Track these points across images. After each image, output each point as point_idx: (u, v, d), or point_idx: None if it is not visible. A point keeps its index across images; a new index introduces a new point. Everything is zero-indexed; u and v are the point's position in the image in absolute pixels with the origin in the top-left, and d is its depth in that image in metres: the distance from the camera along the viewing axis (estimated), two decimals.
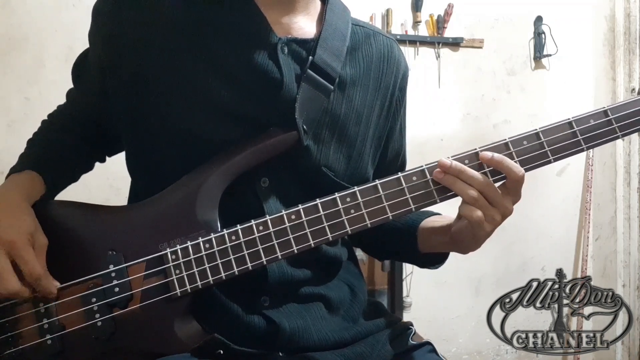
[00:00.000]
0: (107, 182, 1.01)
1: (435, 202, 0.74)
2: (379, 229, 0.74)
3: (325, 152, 0.80)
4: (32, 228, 0.73)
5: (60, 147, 0.88)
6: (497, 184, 0.73)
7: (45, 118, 0.93)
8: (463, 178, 0.72)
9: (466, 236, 0.75)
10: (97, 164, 0.97)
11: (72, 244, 0.75)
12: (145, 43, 0.76)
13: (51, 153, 0.86)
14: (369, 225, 0.72)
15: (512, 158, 0.73)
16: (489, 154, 0.72)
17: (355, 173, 0.84)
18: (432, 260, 0.89)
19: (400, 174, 0.73)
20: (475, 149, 0.74)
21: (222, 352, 0.70)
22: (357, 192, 0.73)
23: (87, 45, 0.83)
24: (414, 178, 0.73)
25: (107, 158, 0.98)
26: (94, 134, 0.90)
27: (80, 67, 0.88)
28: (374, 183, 0.73)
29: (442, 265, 0.89)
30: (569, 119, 0.74)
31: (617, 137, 0.74)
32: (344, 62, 0.81)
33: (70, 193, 0.88)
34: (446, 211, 0.86)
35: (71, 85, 0.91)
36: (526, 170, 0.73)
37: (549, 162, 0.74)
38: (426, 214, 0.89)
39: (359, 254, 1.06)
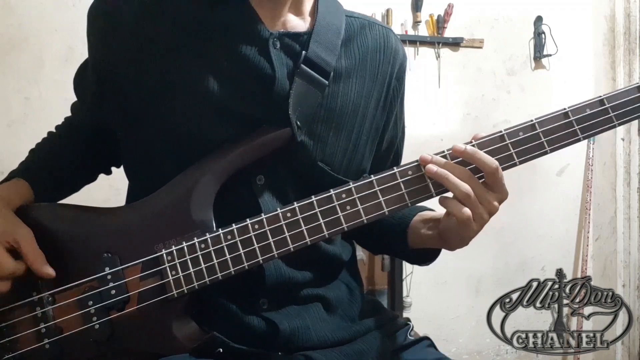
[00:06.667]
0: (107, 182, 1.01)
1: (431, 196, 0.73)
2: (371, 223, 0.73)
3: (321, 147, 0.79)
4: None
5: (56, 156, 0.88)
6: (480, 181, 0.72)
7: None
8: (448, 169, 0.71)
9: (453, 234, 0.75)
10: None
11: (67, 247, 0.75)
12: (138, 44, 0.76)
13: (44, 161, 0.86)
14: (365, 221, 0.72)
15: (508, 150, 0.72)
16: (461, 146, 0.71)
17: (351, 165, 0.83)
18: (423, 256, 0.87)
19: (395, 169, 0.73)
20: (472, 142, 0.73)
21: (221, 350, 0.70)
22: (353, 188, 0.72)
23: (87, 45, 0.83)
24: (410, 172, 0.73)
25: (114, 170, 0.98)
26: (97, 143, 0.90)
27: (80, 77, 0.88)
28: (369, 179, 0.73)
29: (433, 262, 0.88)
30: (564, 108, 0.74)
31: (614, 126, 0.74)
32: (339, 54, 0.80)
33: None
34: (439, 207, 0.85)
35: (70, 86, 0.91)
36: (523, 161, 0.73)
37: (546, 152, 0.73)
38: (418, 209, 0.87)
39: (359, 253, 1.06)
